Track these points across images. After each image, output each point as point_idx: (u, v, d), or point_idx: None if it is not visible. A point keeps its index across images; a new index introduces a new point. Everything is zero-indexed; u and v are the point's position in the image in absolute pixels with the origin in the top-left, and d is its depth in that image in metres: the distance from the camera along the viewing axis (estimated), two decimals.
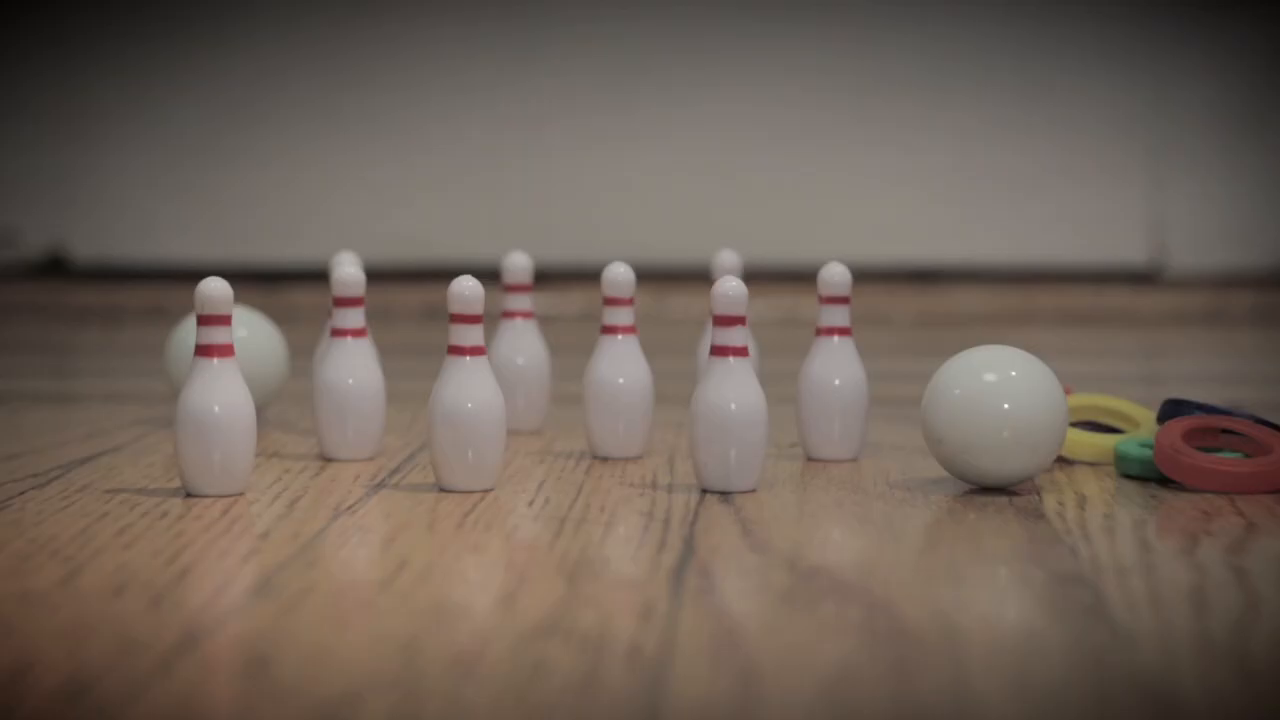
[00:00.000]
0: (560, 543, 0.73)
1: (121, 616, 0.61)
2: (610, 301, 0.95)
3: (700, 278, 2.12)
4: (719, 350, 0.84)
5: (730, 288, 0.85)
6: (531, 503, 0.82)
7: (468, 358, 0.84)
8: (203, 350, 0.82)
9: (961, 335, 1.89)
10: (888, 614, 0.61)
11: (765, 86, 2.13)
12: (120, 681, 0.53)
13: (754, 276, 2.22)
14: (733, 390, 0.84)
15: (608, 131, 2.14)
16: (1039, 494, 0.84)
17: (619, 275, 0.94)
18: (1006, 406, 0.82)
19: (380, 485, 0.86)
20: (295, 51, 2.15)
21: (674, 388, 1.23)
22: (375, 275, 2.29)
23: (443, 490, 0.84)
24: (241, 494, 0.83)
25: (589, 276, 2.16)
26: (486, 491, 0.84)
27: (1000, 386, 0.82)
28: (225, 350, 0.82)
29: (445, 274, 2.34)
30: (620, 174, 2.14)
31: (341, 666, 0.55)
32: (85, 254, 2.15)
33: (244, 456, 0.82)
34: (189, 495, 0.82)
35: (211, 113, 2.16)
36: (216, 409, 0.82)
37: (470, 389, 0.84)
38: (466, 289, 0.85)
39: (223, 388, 0.82)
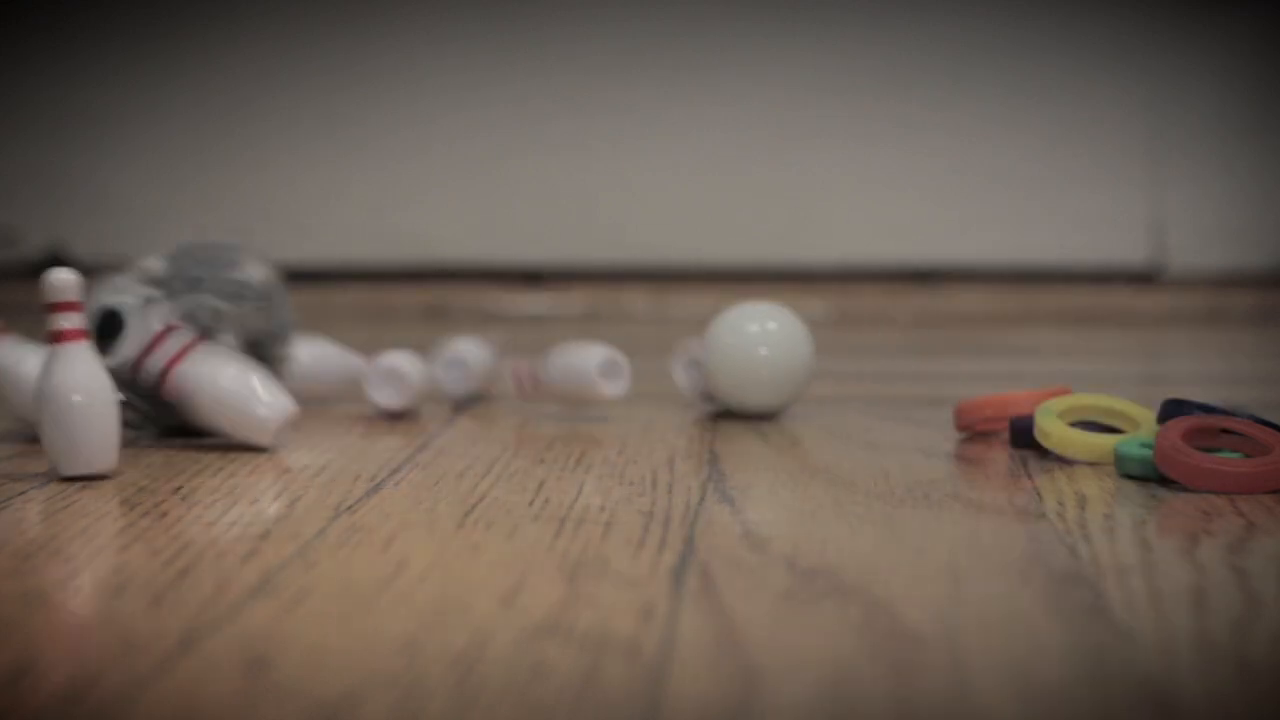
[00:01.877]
0: (560, 543, 0.73)
1: (121, 616, 0.61)
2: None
3: (700, 277, 2.13)
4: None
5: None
6: (531, 503, 0.82)
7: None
8: (55, 336, 0.86)
9: (961, 335, 1.89)
10: (888, 614, 0.61)
11: (765, 87, 2.13)
12: (120, 681, 0.53)
13: (754, 276, 2.22)
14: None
15: (608, 131, 2.14)
16: (1039, 494, 0.84)
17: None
18: (764, 352, 1.08)
19: (380, 485, 0.86)
20: (296, 52, 2.15)
21: (676, 387, 1.23)
22: (375, 275, 2.30)
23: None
24: (106, 475, 0.86)
25: (589, 276, 2.17)
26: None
27: (759, 336, 1.08)
28: (76, 335, 0.87)
29: (445, 274, 2.35)
30: (620, 174, 2.14)
31: (341, 666, 0.55)
32: (85, 254, 2.15)
33: (104, 435, 0.86)
34: (62, 479, 0.85)
35: (212, 113, 2.16)
36: (75, 396, 0.86)
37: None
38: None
39: (78, 371, 0.86)
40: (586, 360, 1.11)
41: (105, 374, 0.88)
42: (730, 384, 1.09)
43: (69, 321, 0.87)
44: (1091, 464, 0.92)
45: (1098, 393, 0.97)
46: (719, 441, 1.00)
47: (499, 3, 2.13)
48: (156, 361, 0.99)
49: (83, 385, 0.87)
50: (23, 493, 0.84)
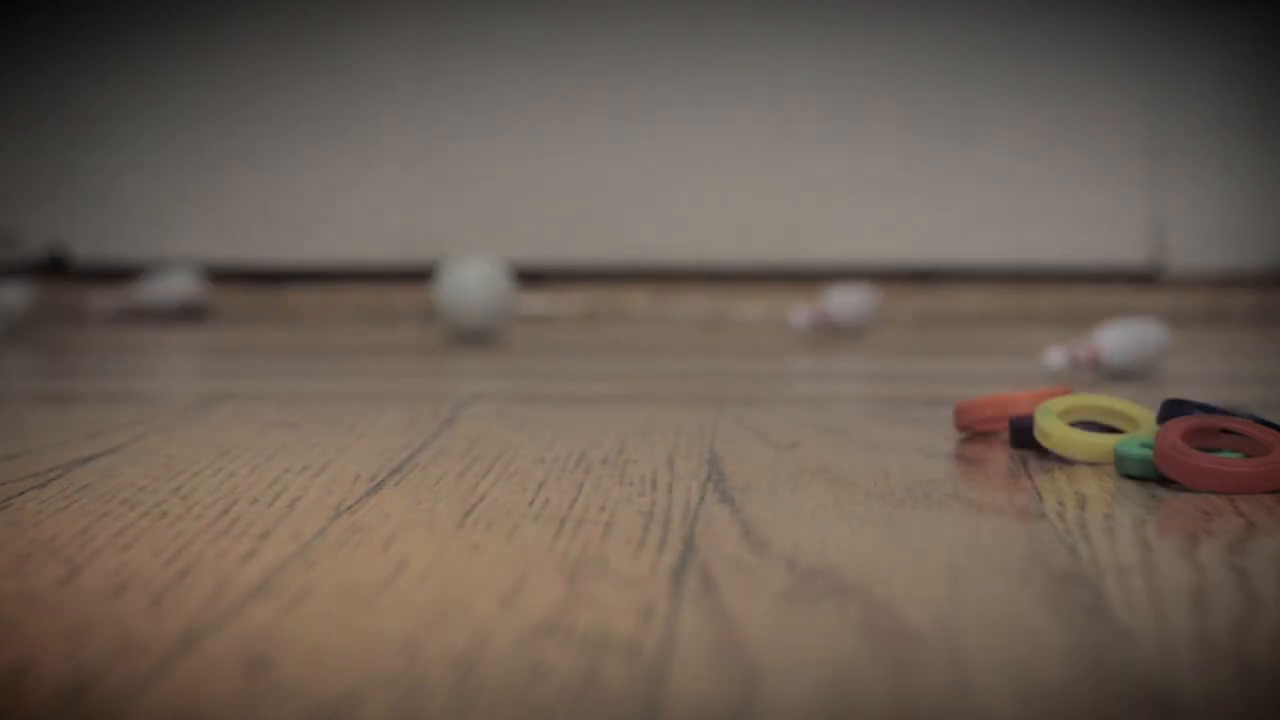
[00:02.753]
0: (560, 543, 0.73)
1: (121, 616, 0.61)
2: None
3: (700, 277, 2.13)
4: None
5: None
6: (531, 503, 0.82)
7: None
8: None
9: (961, 335, 1.89)
10: (888, 614, 0.61)
11: (765, 87, 2.13)
12: (120, 681, 0.53)
13: (754, 276, 2.22)
14: None
15: (608, 131, 2.14)
16: (1039, 494, 0.84)
17: None
18: (476, 291, 1.64)
19: (380, 485, 0.86)
20: (296, 52, 2.15)
21: (673, 387, 1.23)
22: (376, 275, 2.29)
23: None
24: None
25: (589, 276, 2.17)
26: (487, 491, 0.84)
27: (474, 284, 1.64)
28: None
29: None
30: (620, 174, 2.14)
31: (341, 666, 0.55)
32: (85, 254, 2.15)
33: None
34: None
35: (213, 113, 2.16)
36: None
37: None
38: None
39: None
40: None
41: None
42: (454, 313, 1.65)
43: None
44: (1091, 464, 0.92)
45: (1098, 393, 0.97)
46: (719, 441, 1.00)
47: (499, 4, 2.13)
48: None
49: None
50: (22, 493, 0.84)
